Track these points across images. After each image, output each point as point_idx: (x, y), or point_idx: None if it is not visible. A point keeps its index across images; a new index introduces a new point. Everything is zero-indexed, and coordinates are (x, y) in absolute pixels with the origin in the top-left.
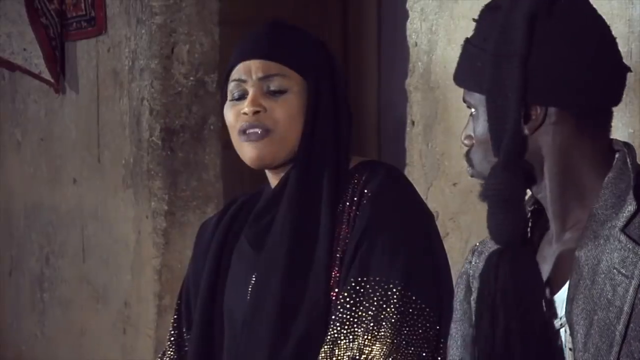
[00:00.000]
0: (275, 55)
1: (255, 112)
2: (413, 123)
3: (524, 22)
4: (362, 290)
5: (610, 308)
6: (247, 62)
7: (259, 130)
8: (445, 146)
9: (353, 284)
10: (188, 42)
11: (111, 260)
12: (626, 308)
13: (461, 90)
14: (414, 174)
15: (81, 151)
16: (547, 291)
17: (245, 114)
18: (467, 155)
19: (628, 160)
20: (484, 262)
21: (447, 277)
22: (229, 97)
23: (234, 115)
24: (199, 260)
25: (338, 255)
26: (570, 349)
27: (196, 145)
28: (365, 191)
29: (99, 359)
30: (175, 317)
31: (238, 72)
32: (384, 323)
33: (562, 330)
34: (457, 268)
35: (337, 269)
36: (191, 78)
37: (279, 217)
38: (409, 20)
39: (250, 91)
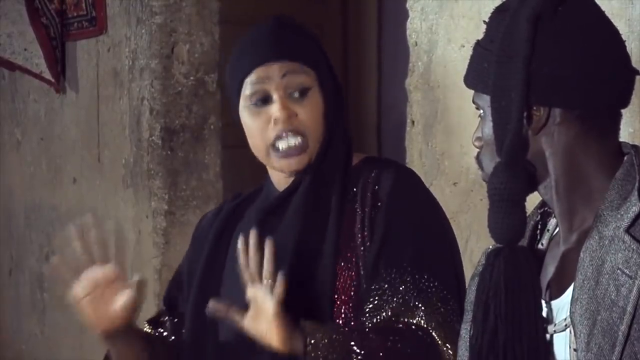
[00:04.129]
0: (292, 54)
1: (288, 117)
2: (413, 122)
3: (527, 23)
4: (394, 282)
5: (614, 308)
6: (265, 66)
7: (295, 143)
8: (445, 146)
9: (384, 276)
10: (188, 42)
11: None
12: (629, 308)
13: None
14: None
15: (81, 151)
16: (548, 292)
17: (277, 119)
18: (478, 157)
19: (635, 161)
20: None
21: (462, 268)
22: (247, 102)
23: (260, 122)
24: (196, 250)
25: (349, 254)
26: (574, 350)
27: (196, 145)
28: (378, 189)
29: (99, 358)
30: (164, 296)
31: (257, 75)
32: (417, 308)
33: (567, 331)
34: None
35: (342, 264)
36: (191, 78)
37: (292, 207)
38: (409, 20)
39: (276, 95)
